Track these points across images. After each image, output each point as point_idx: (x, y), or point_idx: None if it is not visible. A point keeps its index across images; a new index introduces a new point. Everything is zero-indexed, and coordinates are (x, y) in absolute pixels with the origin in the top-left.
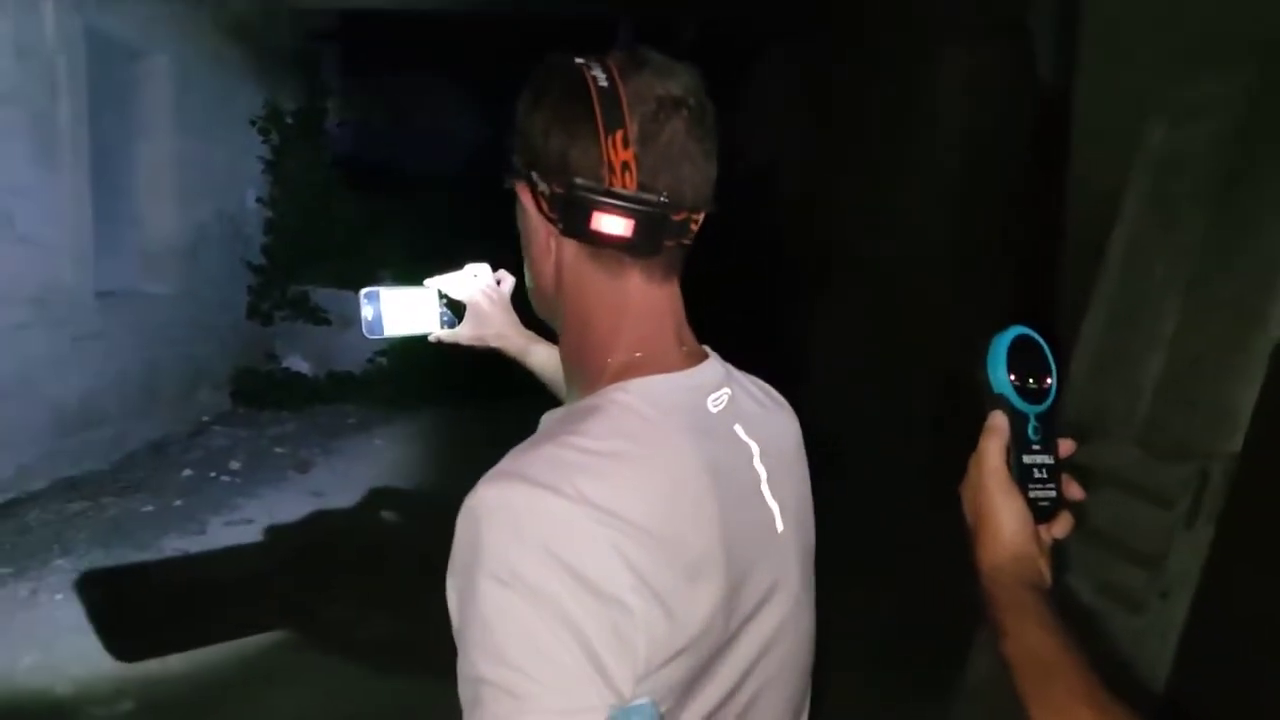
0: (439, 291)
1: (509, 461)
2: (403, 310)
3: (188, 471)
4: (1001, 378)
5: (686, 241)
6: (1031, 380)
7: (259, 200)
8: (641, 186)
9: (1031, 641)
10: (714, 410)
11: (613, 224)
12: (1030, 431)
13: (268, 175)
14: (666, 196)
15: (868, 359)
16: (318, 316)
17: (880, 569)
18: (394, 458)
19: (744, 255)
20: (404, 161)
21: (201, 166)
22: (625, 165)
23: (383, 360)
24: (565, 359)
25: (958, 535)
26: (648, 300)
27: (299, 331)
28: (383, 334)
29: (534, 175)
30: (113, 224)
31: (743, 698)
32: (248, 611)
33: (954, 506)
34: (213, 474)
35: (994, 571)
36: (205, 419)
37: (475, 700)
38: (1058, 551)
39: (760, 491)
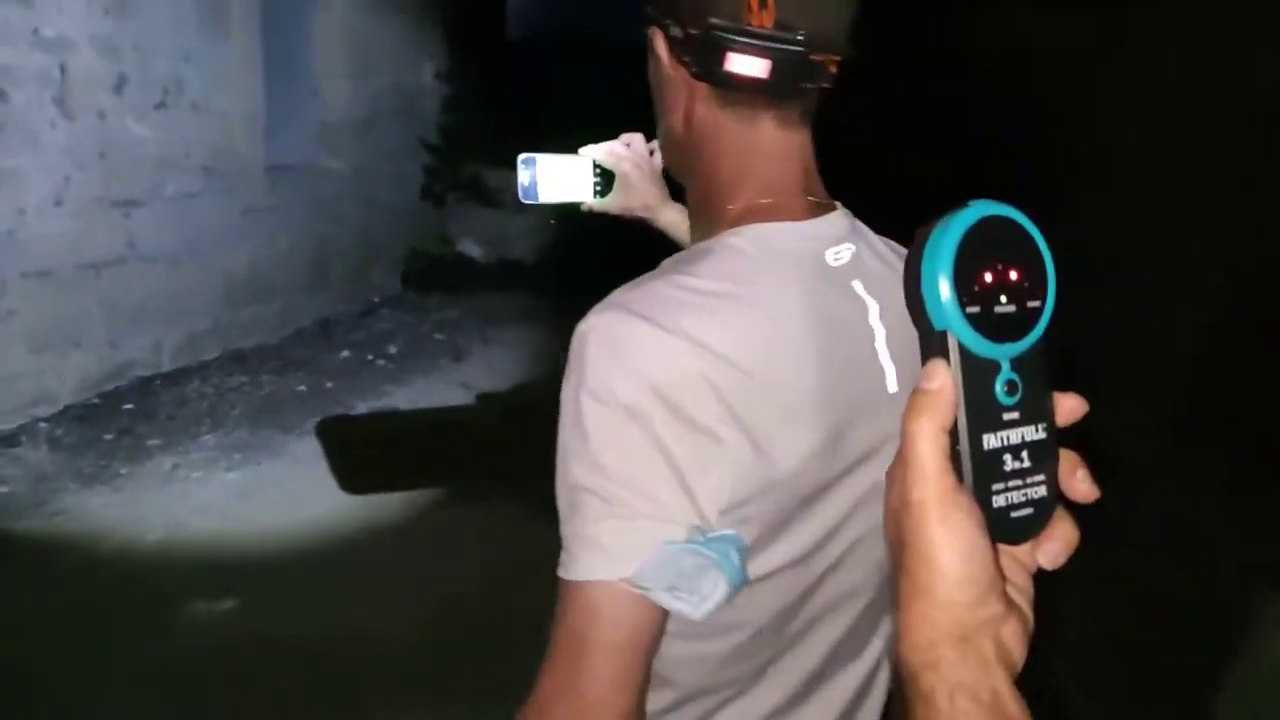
0: (593, 160)
1: (619, 294)
2: (557, 177)
3: (345, 353)
4: (945, 300)
5: (825, 85)
6: (1006, 297)
7: (437, 76)
8: (779, 25)
9: None
10: (833, 263)
11: (748, 64)
12: (999, 390)
13: (446, 49)
14: (804, 35)
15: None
16: (491, 199)
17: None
18: (554, 353)
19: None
20: (585, 35)
21: (378, 38)
22: (763, 2)
23: (558, 250)
24: (692, 208)
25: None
26: (778, 147)
27: (473, 214)
28: (537, 199)
29: (668, 20)
30: (286, 96)
31: (835, 549)
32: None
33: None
34: (370, 357)
35: (919, 661)
36: (375, 300)
37: (573, 505)
38: (1048, 583)
39: (874, 348)
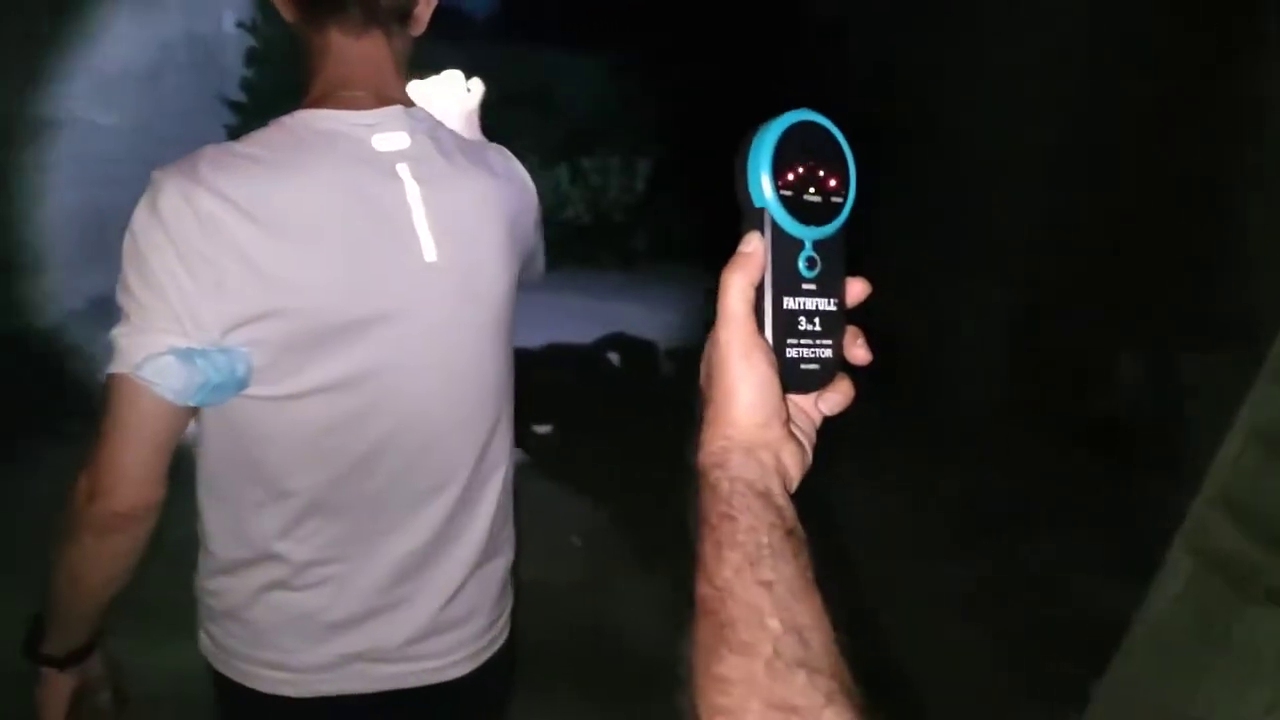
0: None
1: (182, 158)
2: None
3: None
4: (764, 183)
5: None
6: (814, 189)
7: (239, 25)
8: None
9: (731, 583)
10: (379, 147)
11: None
12: (801, 264)
13: None
14: None
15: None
16: None
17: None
18: None
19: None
20: None
21: None
22: None
23: None
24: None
25: None
26: (344, 51)
27: None
28: None
29: None
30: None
31: (379, 384)
32: None
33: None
34: None
35: (711, 463)
36: None
37: (116, 320)
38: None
39: (409, 221)
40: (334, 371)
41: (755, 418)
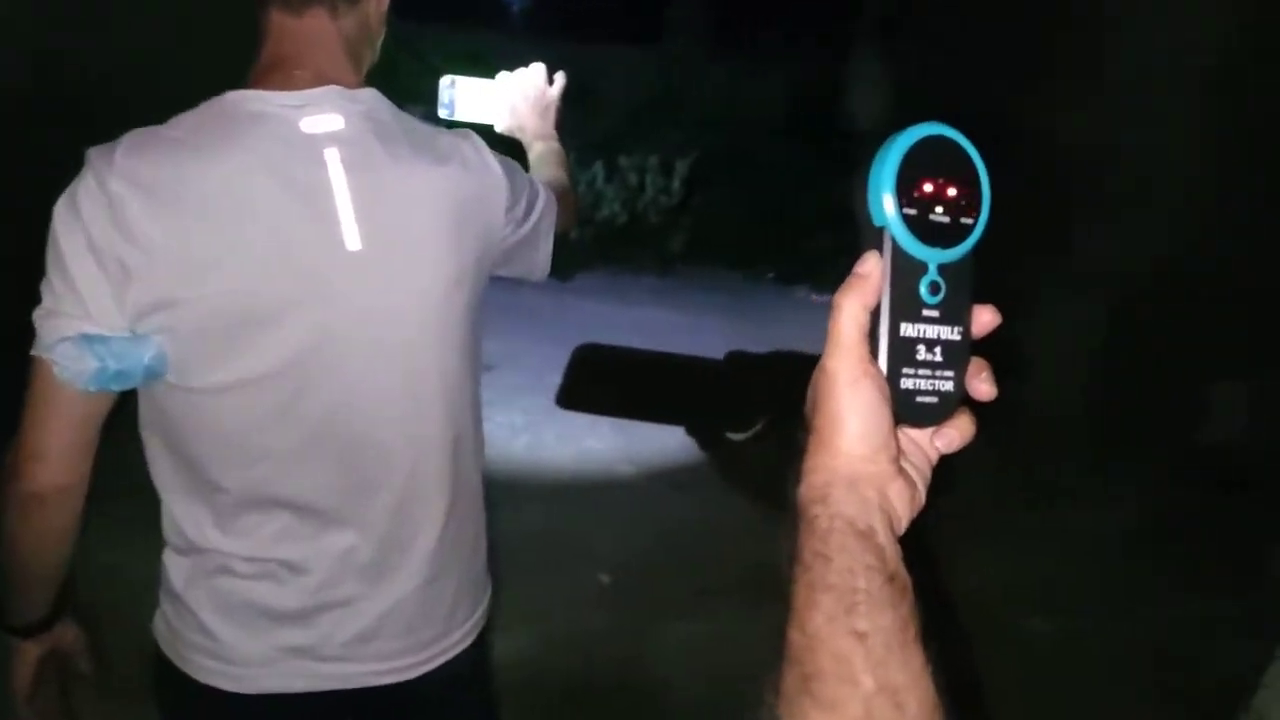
0: (500, 86)
1: (109, 142)
2: (474, 98)
3: None
4: (885, 200)
5: None
6: (941, 209)
7: None
8: None
9: (821, 630)
10: (306, 130)
11: None
12: (923, 289)
13: None
14: None
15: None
16: None
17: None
18: None
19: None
20: None
21: None
22: None
23: None
24: None
25: None
26: (283, 29)
27: None
28: (453, 116)
29: None
30: None
31: (300, 375)
32: None
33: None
34: None
35: (811, 497)
36: None
37: None
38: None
39: (332, 207)
40: (254, 364)
41: (861, 449)
